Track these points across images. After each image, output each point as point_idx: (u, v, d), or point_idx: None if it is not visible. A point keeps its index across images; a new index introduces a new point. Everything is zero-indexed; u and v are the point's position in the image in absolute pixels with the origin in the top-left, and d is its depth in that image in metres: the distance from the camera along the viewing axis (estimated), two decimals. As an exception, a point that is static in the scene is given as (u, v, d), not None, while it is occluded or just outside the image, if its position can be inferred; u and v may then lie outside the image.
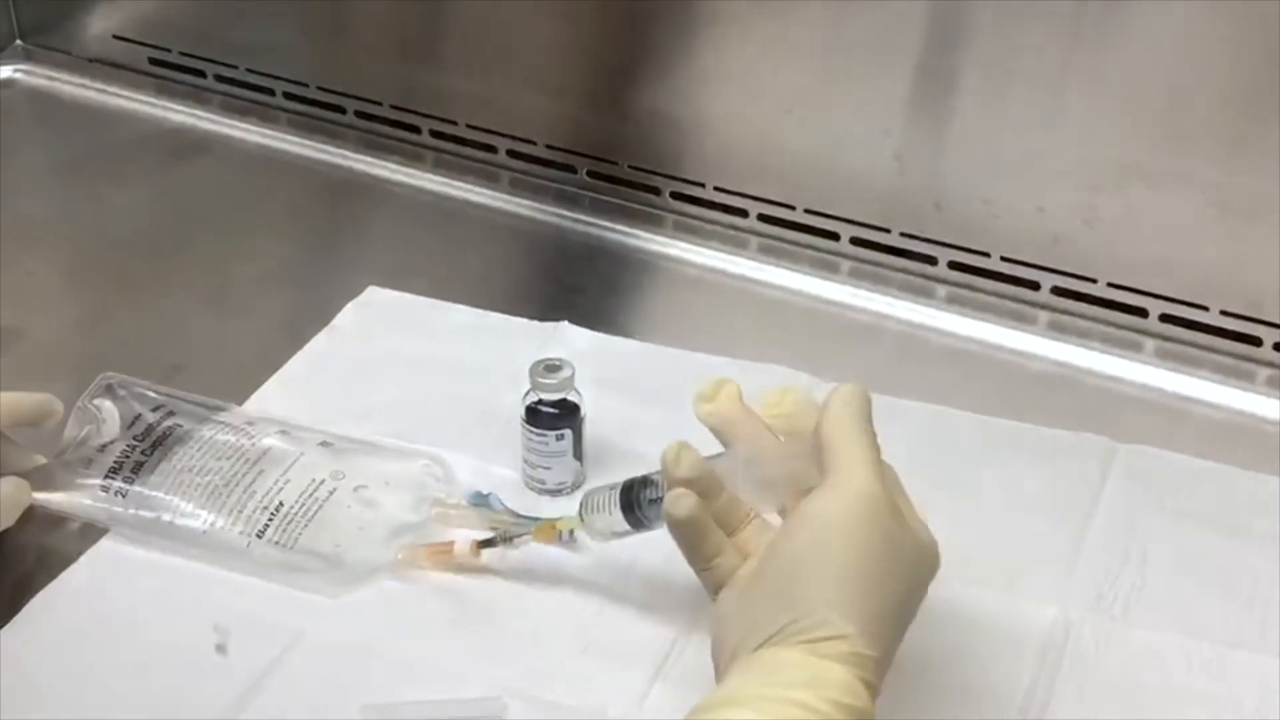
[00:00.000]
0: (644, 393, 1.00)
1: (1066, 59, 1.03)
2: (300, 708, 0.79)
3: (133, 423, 0.94)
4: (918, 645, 0.81)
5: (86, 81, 1.41)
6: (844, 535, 0.69)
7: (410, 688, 0.79)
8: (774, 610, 0.68)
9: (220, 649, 0.82)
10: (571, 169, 1.25)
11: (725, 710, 0.64)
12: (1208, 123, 1.01)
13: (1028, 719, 0.78)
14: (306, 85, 1.34)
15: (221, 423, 0.94)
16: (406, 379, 1.02)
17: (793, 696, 0.63)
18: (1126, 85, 1.02)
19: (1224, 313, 1.06)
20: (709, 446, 0.79)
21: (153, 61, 1.40)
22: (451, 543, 0.86)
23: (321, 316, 1.09)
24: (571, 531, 0.85)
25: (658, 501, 0.78)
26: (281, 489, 0.89)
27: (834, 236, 1.17)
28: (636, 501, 0.80)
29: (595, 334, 1.07)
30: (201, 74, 1.38)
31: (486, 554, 0.85)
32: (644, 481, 0.80)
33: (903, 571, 0.70)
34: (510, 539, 0.84)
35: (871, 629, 0.67)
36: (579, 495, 0.89)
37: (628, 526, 0.80)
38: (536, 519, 0.86)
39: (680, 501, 0.75)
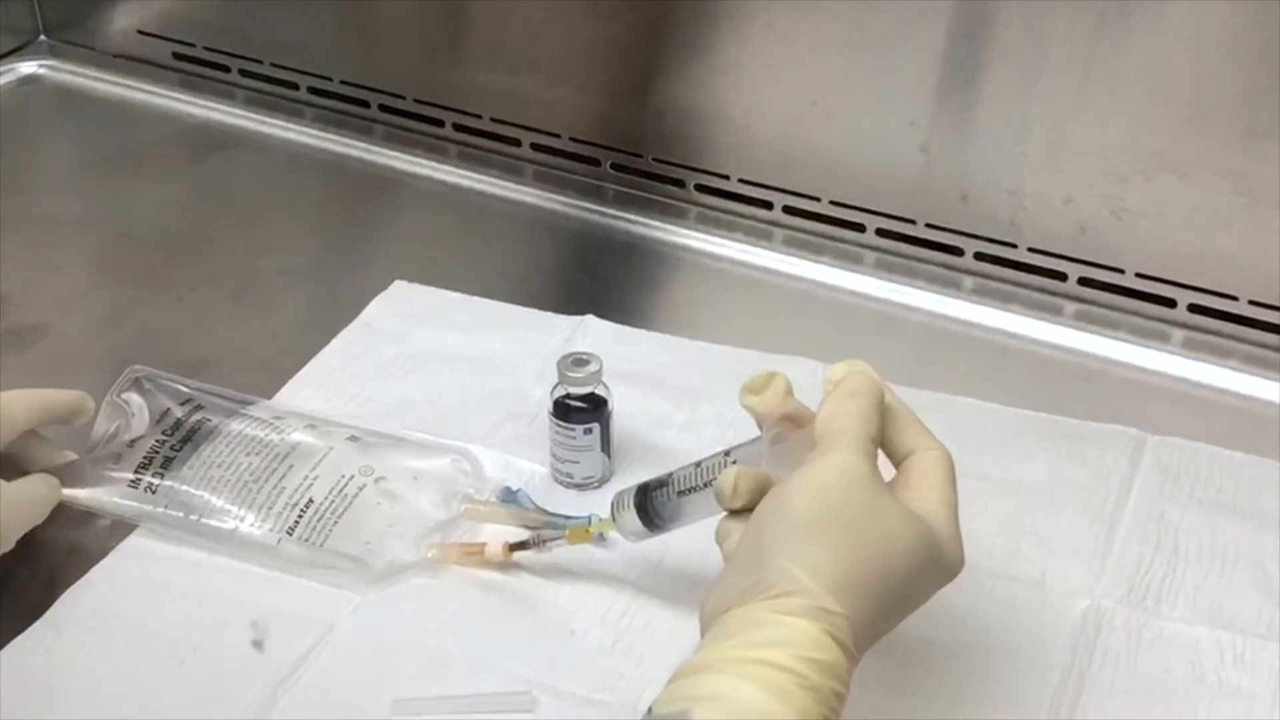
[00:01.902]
0: (670, 386, 1.00)
1: (1092, 49, 1.03)
2: (331, 702, 0.79)
3: (161, 417, 0.94)
4: (948, 639, 0.82)
5: (111, 77, 1.41)
6: (811, 498, 0.68)
7: (440, 682, 0.80)
8: (743, 572, 0.68)
9: (257, 645, 0.82)
10: (595, 162, 1.25)
11: (697, 677, 0.64)
12: (1235, 111, 1.00)
13: (1059, 713, 0.78)
14: (330, 80, 1.34)
15: (250, 417, 0.94)
16: (434, 373, 1.02)
17: (761, 656, 0.64)
18: (1153, 74, 1.02)
19: (1253, 302, 1.06)
20: (736, 436, 0.79)
21: (177, 56, 1.41)
22: (483, 544, 0.86)
23: (347, 310, 1.09)
24: (603, 534, 0.85)
25: (684, 494, 0.78)
26: (311, 485, 0.89)
27: (859, 228, 1.17)
28: (650, 502, 0.80)
29: (620, 327, 1.07)
30: (226, 69, 1.39)
31: (518, 555, 0.85)
32: (659, 483, 0.80)
33: (882, 542, 0.68)
34: (543, 542, 0.84)
35: (839, 588, 0.66)
36: (607, 489, 0.90)
37: (644, 528, 0.81)
38: (567, 517, 0.87)
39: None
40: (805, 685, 0.63)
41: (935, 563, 0.71)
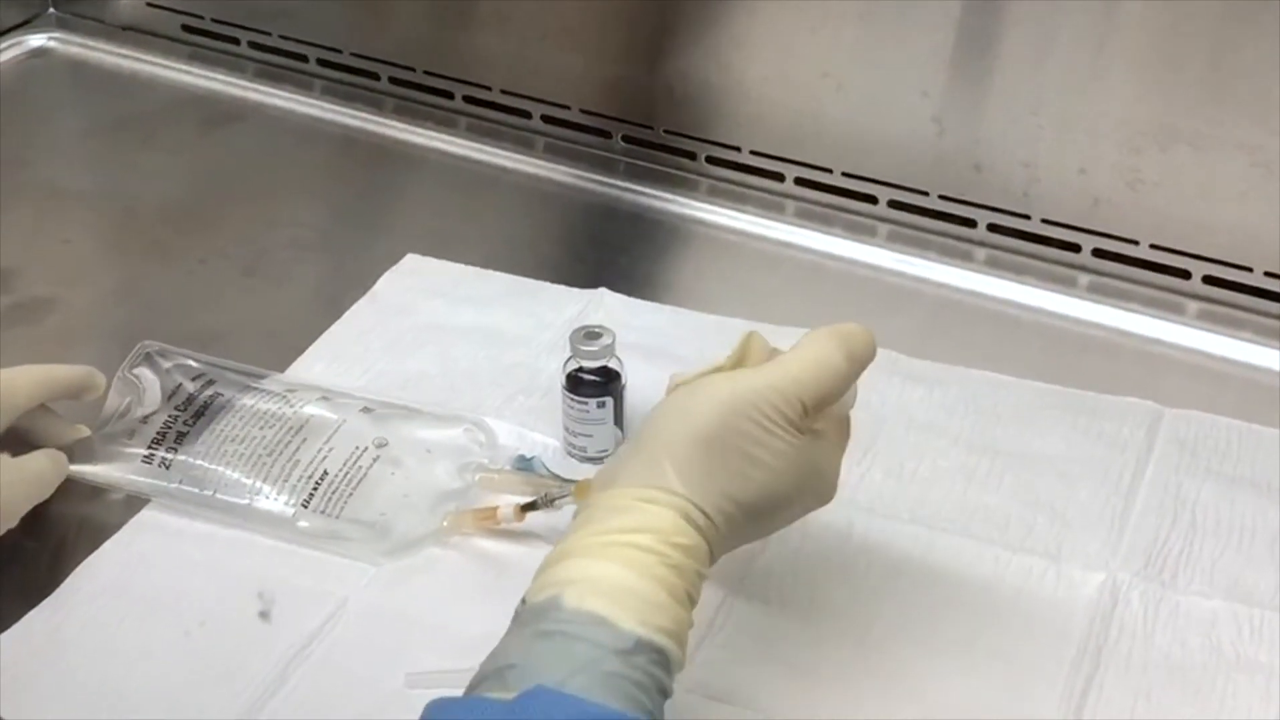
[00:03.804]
0: (683, 359, 1.00)
1: (1107, 19, 1.02)
2: (345, 675, 0.79)
3: (173, 393, 0.94)
4: (965, 612, 0.82)
5: (120, 49, 1.41)
6: (716, 407, 0.70)
7: (455, 655, 0.79)
8: (626, 454, 0.71)
9: (264, 616, 0.82)
10: (606, 134, 1.25)
11: (564, 563, 0.66)
12: (1252, 83, 1.00)
13: (1076, 686, 0.78)
14: (340, 51, 1.33)
15: (263, 391, 0.94)
16: (446, 346, 1.02)
17: (624, 540, 0.66)
18: (1169, 45, 1.01)
19: (1268, 274, 1.05)
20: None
21: (186, 29, 1.40)
22: (496, 507, 0.86)
23: (358, 284, 1.08)
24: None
25: None
26: (325, 457, 0.89)
27: (872, 200, 1.16)
28: None
29: (633, 300, 1.07)
30: (235, 41, 1.38)
31: (531, 517, 0.85)
32: None
33: (765, 474, 0.70)
34: (552, 500, 0.84)
35: (704, 499, 0.68)
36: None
37: None
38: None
39: None
40: (668, 564, 0.66)
41: (811, 495, 0.74)
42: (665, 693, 0.64)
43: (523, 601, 0.66)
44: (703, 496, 0.68)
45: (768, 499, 0.71)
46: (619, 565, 0.65)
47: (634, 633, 0.63)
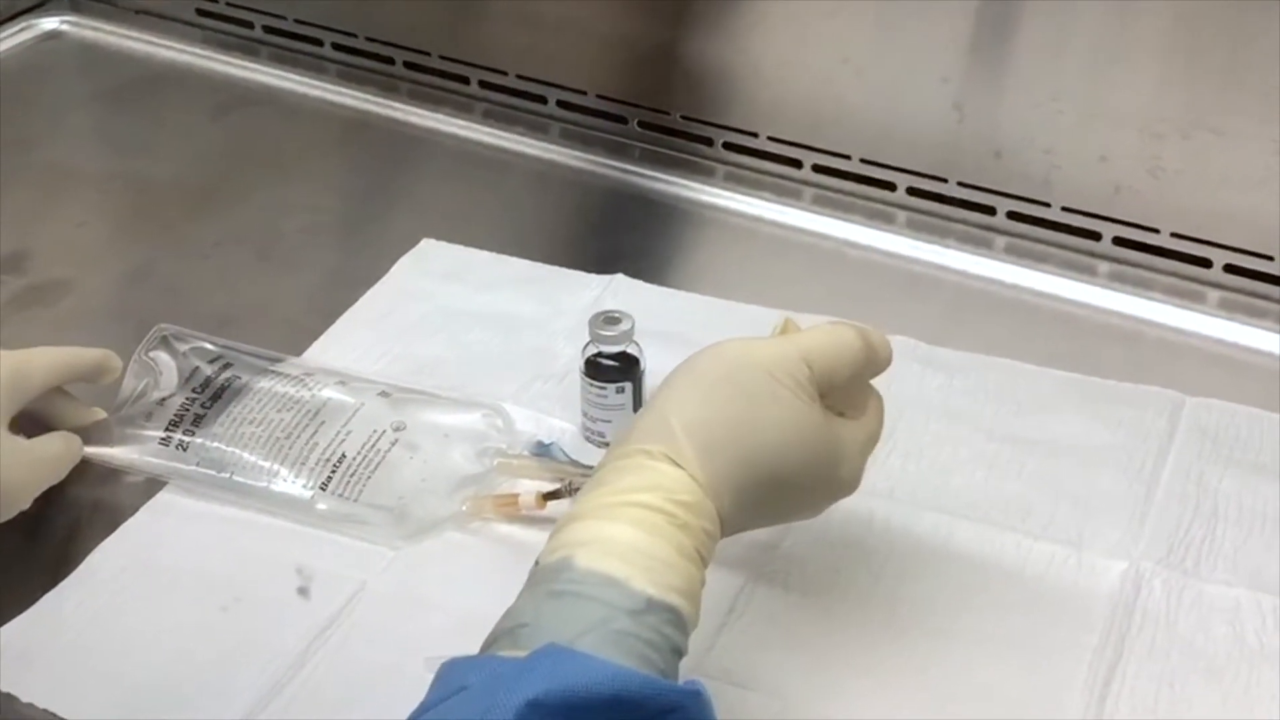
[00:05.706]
0: (698, 345, 0.98)
1: (1129, 4, 1.01)
2: (364, 659, 0.79)
3: (190, 375, 0.93)
4: (987, 600, 0.82)
5: (133, 33, 1.40)
6: (726, 364, 0.71)
7: (474, 640, 0.78)
8: (638, 417, 0.71)
9: (303, 592, 0.82)
10: (622, 119, 1.24)
11: (575, 524, 0.66)
12: (1273, 70, 0.99)
13: (1099, 674, 0.77)
14: (355, 36, 1.33)
15: (280, 374, 0.94)
16: (462, 331, 1.02)
17: (632, 499, 0.66)
18: (1191, 31, 1.01)
19: (1289, 263, 1.05)
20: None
21: (200, 13, 1.39)
22: (517, 495, 0.85)
23: (372, 268, 1.08)
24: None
25: None
26: (343, 441, 0.89)
27: (890, 187, 1.16)
28: None
29: (650, 286, 1.06)
30: (249, 25, 1.37)
31: (552, 504, 0.85)
32: None
33: (775, 432, 0.69)
34: (576, 489, 0.83)
35: (706, 452, 0.67)
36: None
37: None
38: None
39: None
40: (675, 523, 0.65)
41: (827, 473, 0.73)
42: (679, 651, 0.64)
43: (536, 563, 0.66)
44: (709, 455, 0.68)
45: (779, 467, 0.70)
46: (628, 525, 0.65)
47: (645, 592, 0.63)
